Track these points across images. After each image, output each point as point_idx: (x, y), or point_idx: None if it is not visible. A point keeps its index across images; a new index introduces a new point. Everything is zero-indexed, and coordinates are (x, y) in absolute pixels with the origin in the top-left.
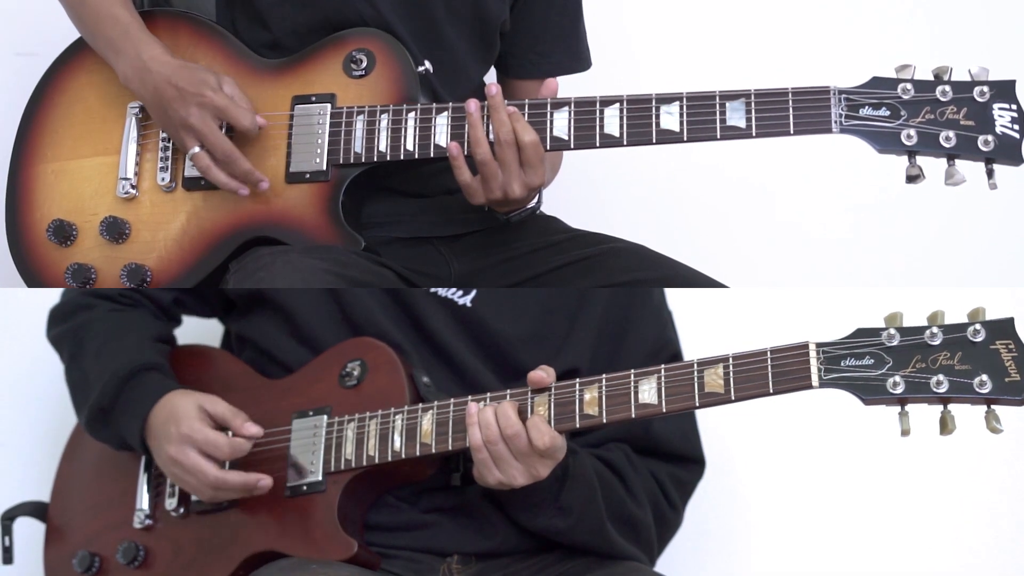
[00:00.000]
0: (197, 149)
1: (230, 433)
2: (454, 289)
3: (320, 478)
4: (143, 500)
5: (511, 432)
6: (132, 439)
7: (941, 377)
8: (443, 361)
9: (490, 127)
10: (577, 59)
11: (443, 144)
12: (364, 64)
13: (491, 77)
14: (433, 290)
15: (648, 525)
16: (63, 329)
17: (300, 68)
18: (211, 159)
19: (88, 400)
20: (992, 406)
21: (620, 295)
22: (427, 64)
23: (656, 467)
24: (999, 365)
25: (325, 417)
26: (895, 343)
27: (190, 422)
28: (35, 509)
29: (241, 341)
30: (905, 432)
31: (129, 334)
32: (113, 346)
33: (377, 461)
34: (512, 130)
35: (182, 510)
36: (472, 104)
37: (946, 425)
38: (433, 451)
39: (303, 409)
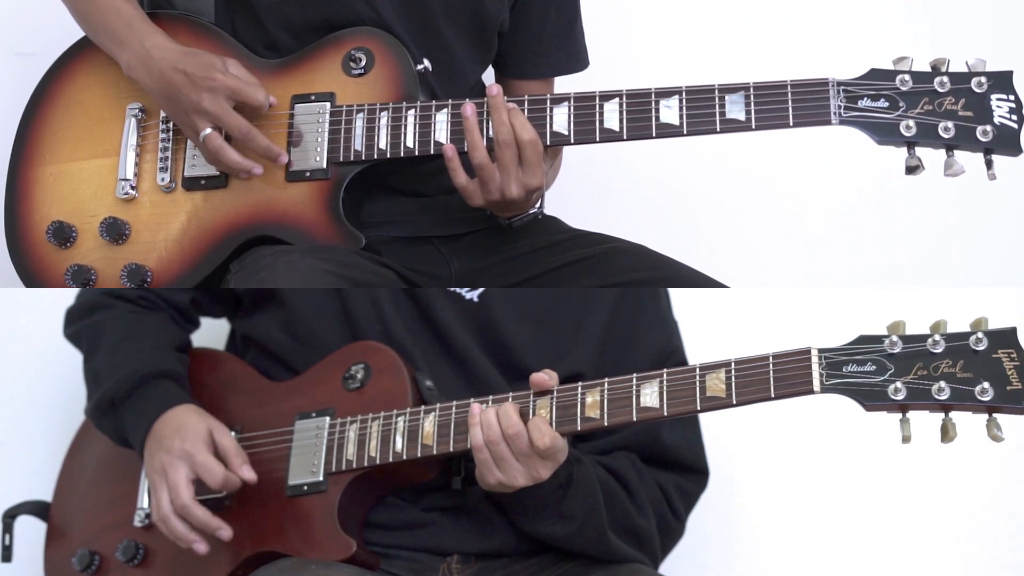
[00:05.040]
0: (209, 130)
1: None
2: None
3: (321, 478)
4: (144, 499)
5: (513, 432)
6: (134, 439)
7: (943, 384)
8: (450, 356)
9: (488, 127)
10: (575, 59)
11: (443, 141)
12: (363, 63)
13: (488, 76)
14: None
15: (651, 535)
16: (81, 325)
17: (299, 67)
18: (222, 140)
19: (99, 389)
20: (993, 414)
21: (627, 300)
22: (426, 63)
23: (663, 477)
24: (1001, 373)
25: (328, 419)
26: (897, 350)
27: (196, 443)
28: (37, 508)
29: (246, 341)
30: (906, 439)
31: (147, 336)
32: (131, 345)
33: (378, 462)
34: (511, 130)
35: None
36: (468, 109)
37: (947, 432)
38: (434, 452)
39: (306, 411)
